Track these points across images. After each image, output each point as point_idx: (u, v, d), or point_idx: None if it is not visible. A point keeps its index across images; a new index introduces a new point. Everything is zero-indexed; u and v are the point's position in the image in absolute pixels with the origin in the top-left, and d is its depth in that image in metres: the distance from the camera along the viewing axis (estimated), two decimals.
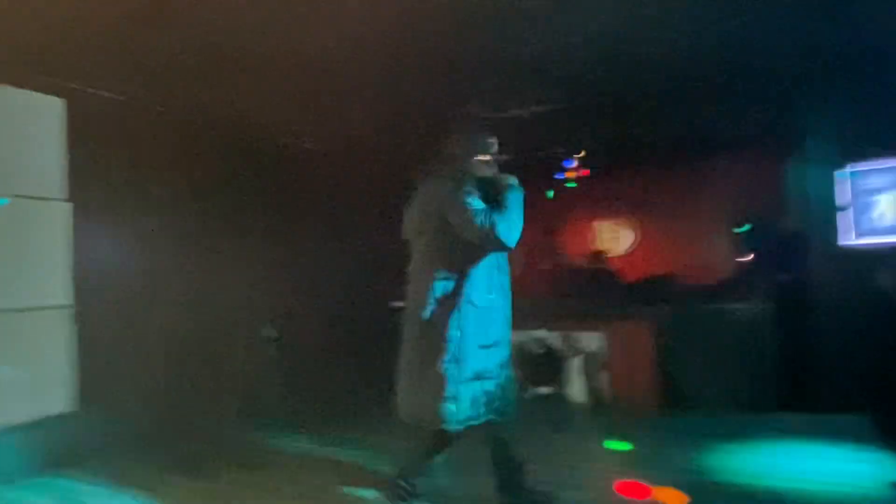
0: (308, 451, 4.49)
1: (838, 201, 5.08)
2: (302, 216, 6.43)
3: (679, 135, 6.17)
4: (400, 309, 6.68)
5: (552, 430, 4.84)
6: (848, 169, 5.08)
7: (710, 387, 5.15)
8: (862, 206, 5.03)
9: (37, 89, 4.38)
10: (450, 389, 2.64)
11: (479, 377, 2.72)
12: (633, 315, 5.64)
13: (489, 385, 2.76)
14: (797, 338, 5.14)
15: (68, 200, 4.53)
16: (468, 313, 2.68)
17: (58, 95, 4.49)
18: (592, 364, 5.66)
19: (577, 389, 5.66)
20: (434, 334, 2.69)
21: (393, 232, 6.77)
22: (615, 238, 8.51)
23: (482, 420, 2.75)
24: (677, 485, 3.46)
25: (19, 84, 4.28)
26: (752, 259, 6.30)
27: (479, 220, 2.63)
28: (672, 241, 6.91)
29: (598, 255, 7.77)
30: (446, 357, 2.65)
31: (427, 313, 2.71)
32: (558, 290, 6.82)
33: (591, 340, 5.67)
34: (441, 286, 2.70)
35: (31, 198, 4.35)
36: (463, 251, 2.70)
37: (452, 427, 2.69)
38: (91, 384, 4.51)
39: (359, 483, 3.63)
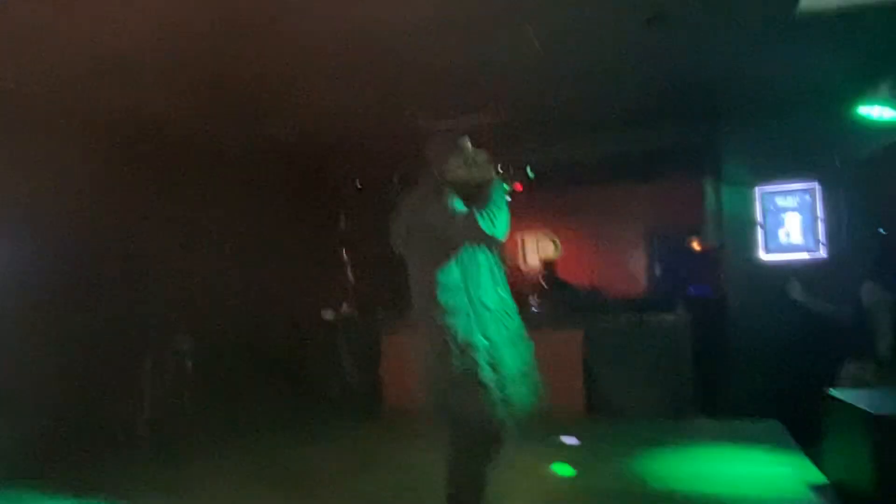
0: (224, 464, 4.25)
1: (751, 219, 5.44)
2: (219, 223, 6.12)
3: (606, 154, 6.41)
4: (331, 321, 6.67)
5: None
6: (759, 189, 5.46)
7: (631, 394, 5.35)
8: (772, 225, 5.42)
9: None
10: (496, 395, 2.56)
11: (522, 374, 2.67)
12: (559, 324, 5.77)
13: (530, 380, 2.71)
14: (714, 346, 5.45)
15: None
16: (484, 317, 2.63)
17: None
18: None
19: None
20: (457, 344, 2.59)
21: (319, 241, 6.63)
22: (540, 249, 8.72)
23: (531, 411, 2.69)
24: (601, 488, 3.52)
25: None
26: (671, 272, 6.63)
27: (460, 218, 2.61)
28: (595, 254, 7.14)
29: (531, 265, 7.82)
30: (481, 365, 2.57)
31: (442, 323, 2.62)
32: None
33: None
34: (447, 295, 2.63)
35: None
36: (457, 256, 2.66)
37: (463, 437, 2.63)
38: None
39: None
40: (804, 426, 4.31)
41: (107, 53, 3.89)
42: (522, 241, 8.69)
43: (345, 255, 7.49)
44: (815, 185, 5.28)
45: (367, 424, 5.61)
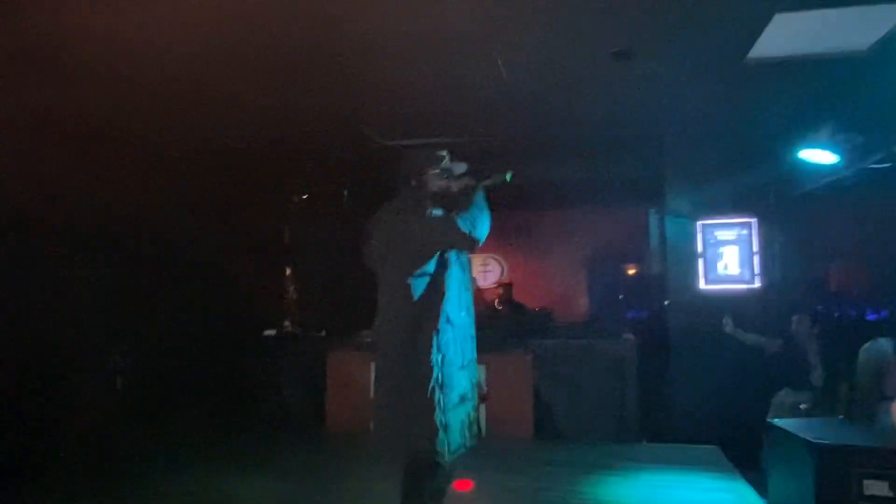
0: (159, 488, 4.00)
1: (692, 250, 5.68)
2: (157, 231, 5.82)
3: (557, 179, 6.55)
4: (274, 337, 6.44)
5: None
6: (700, 222, 5.72)
7: (576, 417, 5.44)
8: (711, 256, 5.67)
9: None
10: (439, 417, 2.50)
11: (462, 400, 2.63)
12: (508, 347, 5.81)
13: (469, 407, 2.68)
14: (655, 372, 5.62)
15: None
16: (446, 333, 2.59)
17: None
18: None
19: None
20: (415, 359, 2.55)
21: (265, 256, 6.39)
22: (484, 271, 8.80)
23: (466, 447, 2.64)
24: None
25: None
26: (615, 298, 6.81)
27: (440, 221, 2.60)
28: (542, 278, 7.27)
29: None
30: (431, 382, 2.51)
31: (405, 337, 2.59)
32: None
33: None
34: (414, 309, 2.59)
35: None
36: (434, 271, 2.62)
37: (445, 458, 2.54)
38: None
39: None
40: (742, 451, 4.49)
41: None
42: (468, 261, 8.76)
43: (288, 270, 7.31)
44: (753, 220, 5.57)
45: (309, 445, 5.44)
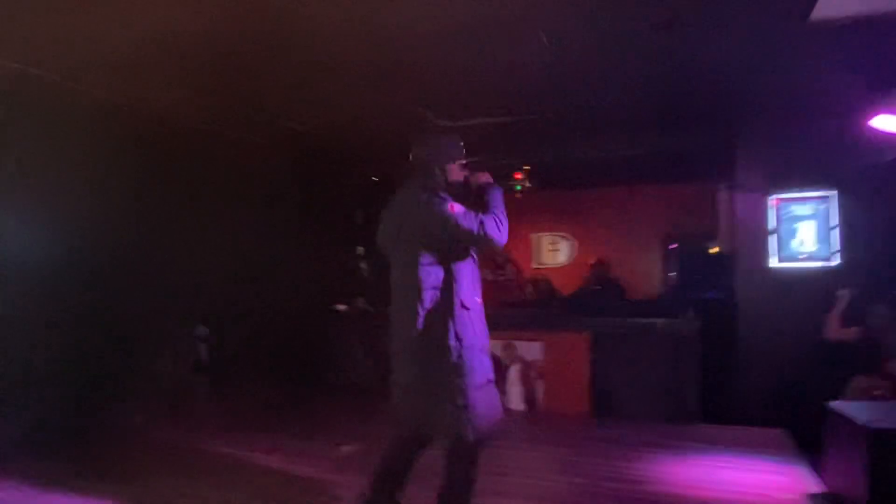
0: (240, 457, 4.37)
1: (765, 226, 5.41)
2: (237, 213, 6.27)
3: (623, 156, 6.40)
4: (342, 312, 6.78)
5: None
6: (773, 197, 5.42)
7: (640, 397, 5.37)
8: (785, 233, 5.37)
9: None
10: (461, 398, 2.57)
11: (487, 381, 2.70)
12: (570, 326, 5.81)
13: (492, 389, 2.75)
14: (722, 352, 5.43)
15: None
16: (463, 318, 2.63)
17: None
18: (528, 372, 5.78)
19: (513, 397, 5.76)
20: (432, 345, 2.60)
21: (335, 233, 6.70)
22: (553, 250, 8.75)
23: (493, 427, 2.70)
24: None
25: None
26: (682, 276, 6.60)
27: (466, 224, 2.60)
28: (610, 257, 7.13)
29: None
30: (451, 367, 2.58)
31: (420, 323, 2.62)
32: (498, 298, 6.94)
33: (529, 349, 5.79)
34: (431, 294, 2.63)
35: None
36: (447, 257, 2.65)
37: (470, 437, 2.59)
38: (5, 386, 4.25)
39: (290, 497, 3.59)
40: (809, 436, 4.29)
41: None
42: (538, 239, 8.73)
43: (361, 249, 7.62)
44: (832, 193, 5.21)
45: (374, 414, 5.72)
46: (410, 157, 2.86)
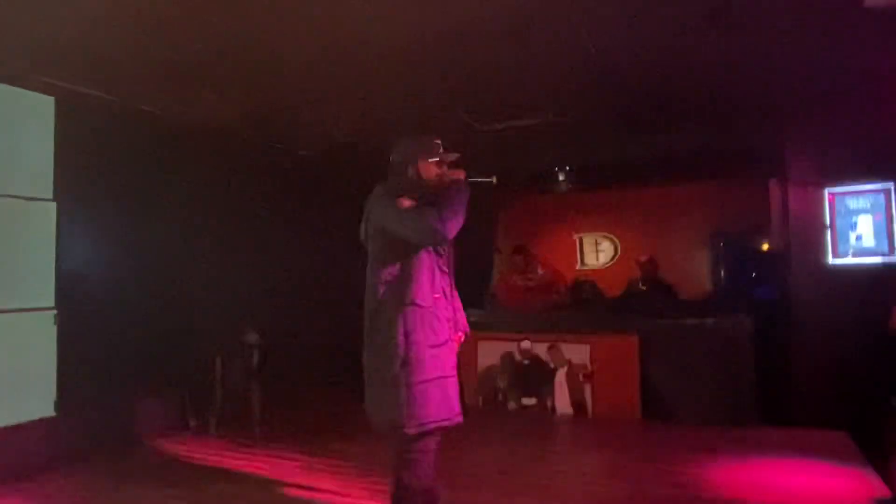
0: (291, 461, 4.45)
1: (820, 222, 5.23)
2: (288, 223, 6.41)
3: (668, 153, 6.29)
4: None
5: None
6: (828, 190, 5.24)
7: (694, 399, 5.25)
8: (842, 227, 5.18)
9: (29, 87, 4.33)
10: (402, 393, 2.59)
11: (439, 377, 2.67)
12: (617, 327, 5.72)
13: (445, 385, 2.69)
14: (778, 352, 5.27)
15: (53, 200, 4.47)
16: (413, 315, 2.64)
17: (49, 94, 4.43)
18: (576, 375, 5.72)
19: (561, 401, 5.71)
20: (381, 338, 2.66)
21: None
22: (597, 251, 8.63)
23: (439, 423, 2.66)
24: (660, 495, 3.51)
25: (11, 81, 4.23)
26: (736, 274, 6.42)
27: (409, 217, 2.61)
28: (657, 256, 6.98)
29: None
30: (397, 361, 2.61)
31: (373, 317, 2.69)
32: (542, 300, 6.86)
33: (575, 351, 5.73)
34: (384, 289, 2.68)
35: (19, 197, 4.28)
36: (403, 254, 2.68)
37: (411, 430, 2.60)
38: (72, 389, 4.44)
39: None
40: (871, 438, 4.13)
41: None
42: (580, 240, 8.62)
43: None
44: (891, 185, 5.01)
45: None
46: (390, 158, 2.89)
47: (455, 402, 2.72)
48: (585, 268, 8.50)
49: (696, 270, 7.33)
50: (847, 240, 5.18)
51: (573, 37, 3.92)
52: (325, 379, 6.29)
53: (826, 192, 5.22)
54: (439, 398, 2.64)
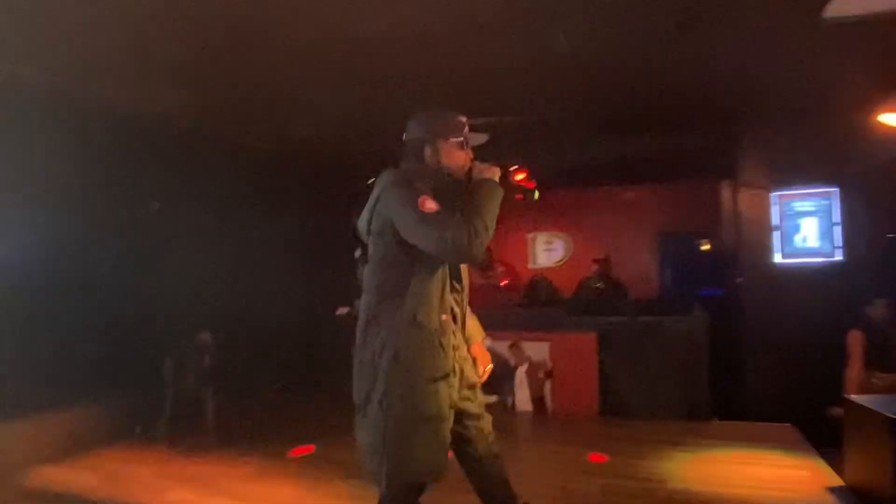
0: (244, 466, 4.29)
1: (768, 223, 5.48)
2: (237, 219, 6.18)
3: (623, 155, 6.43)
4: (343, 316, 6.71)
5: None
6: (776, 193, 5.49)
7: (651, 395, 5.39)
8: (788, 229, 5.45)
9: None
10: (384, 437, 2.08)
11: (430, 418, 2.11)
12: (576, 325, 5.82)
13: (442, 429, 2.14)
14: (728, 349, 5.48)
15: None
16: (410, 336, 2.11)
17: None
18: (536, 372, 5.77)
19: (521, 398, 5.75)
20: (368, 361, 2.14)
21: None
22: (548, 250, 8.77)
23: (425, 479, 2.18)
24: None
25: None
26: (687, 274, 6.64)
27: (427, 225, 2.03)
28: (611, 256, 7.16)
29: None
30: (382, 394, 2.09)
31: (365, 331, 2.18)
32: (501, 298, 6.92)
33: (535, 349, 5.79)
34: (381, 300, 2.16)
35: None
36: (410, 260, 2.13)
37: (390, 488, 2.14)
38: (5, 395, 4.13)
39: None
40: (820, 429, 4.35)
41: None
42: (533, 239, 8.74)
43: (358, 252, 7.55)
44: (835, 190, 5.30)
45: None
46: (404, 136, 2.37)
47: (444, 449, 2.17)
48: (537, 266, 8.62)
49: (647, 270, 7.55)
50: (793, 241, 5.46)
51: (541, 38, 3.95)
52: (282, 381, 6.10)
53: (774, 194, 5.48)
54: (427, 448, 2.11)
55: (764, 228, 5.48)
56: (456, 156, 2.29)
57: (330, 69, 4.35)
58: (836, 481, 3.66)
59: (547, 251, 8.79)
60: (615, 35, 3.95)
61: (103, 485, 3.90)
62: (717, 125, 5.70)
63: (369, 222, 2.24)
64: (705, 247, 7.49)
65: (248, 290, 6.13)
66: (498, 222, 2.16)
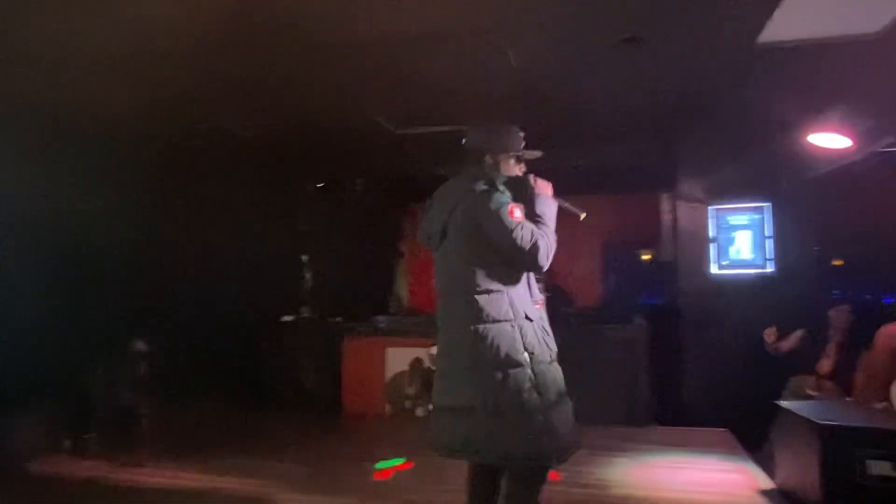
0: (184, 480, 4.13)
1: (704, 235, 5.70)
2: (176, 220, 5.96)
3: (566, 167, 6.52)
4: (288, 323, 6.56)
5: None
6: (712, 207, 5.72)
7: (592, 402, 5.47)
8: (723, 241, 5.68)
9: None
10: (538, 421, 2.23)
11: (562, 398, 2.36)
12: None
13: (570, 404, 2.39)
14: (666, 357, 5.65)
15: None
16: (528, 330, 2.30)
17: None
18: None
19: None
20: (496, 359, 2.25)
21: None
22: None
23: (574, 448, 2.36)
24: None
25: None
26: (627, 283, 6.82)
27: (521, 238, 2.26)
28: (554, 265, 7.24)
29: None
30: (525, 385, 2.24)
31: (479, 335, 2.27)
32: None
33: None
34: (488, 301, 2.29)
35: None
36: (503, 261, 2.33)
37: (553, 462, 2.32)
38: None
39: None
40: (753, 434, 4.53)
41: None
42: None
43: (305, 257, 7.43)
44: (767, 205, 5.56)
45: (325, 428, 5.57)
46: (464, 142, 2.54)
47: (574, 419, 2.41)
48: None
49: (588, 278, 7.68)
50: (727, 253, 5.69)
51: (488, 52, 4.00)
52: (223, 390, 5.90)
53: (711, 208, 5.71)
54: (566, 419, 2.34)
55: (701, 240, 5.70)
56: (512, 169, 2.49)
57: (276, 59, 4.24)
58: (769, 484, 3.82)
59: None
60: (561, 51, 4.04)
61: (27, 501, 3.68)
62: (658, 140, 5.90)
63: (445, 224, 2.38)
64: (643, 256, 7.71)
65: (188, 297, 5.91)
66: None
